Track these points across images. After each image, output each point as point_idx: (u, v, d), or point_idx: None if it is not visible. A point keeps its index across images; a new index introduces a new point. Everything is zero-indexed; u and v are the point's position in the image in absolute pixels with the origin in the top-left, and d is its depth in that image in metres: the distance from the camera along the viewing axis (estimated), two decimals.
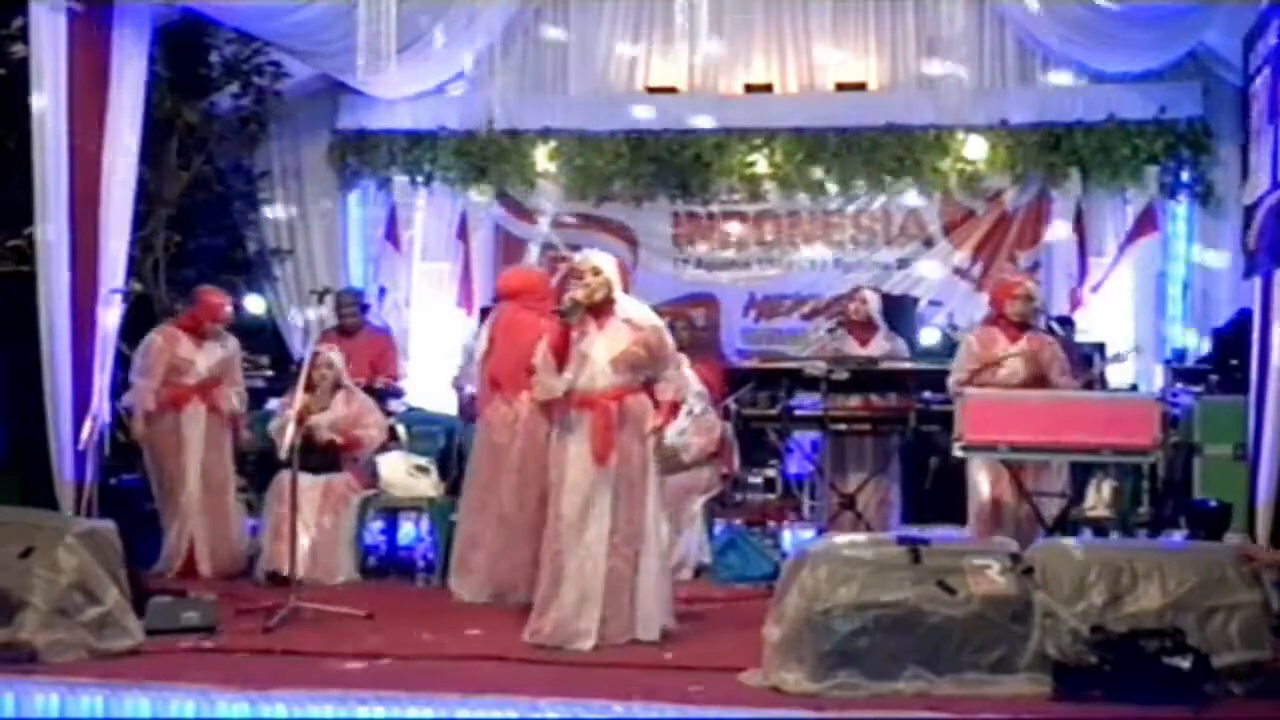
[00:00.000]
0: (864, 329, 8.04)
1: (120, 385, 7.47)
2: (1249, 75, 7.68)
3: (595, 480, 5.54)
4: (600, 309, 5.64)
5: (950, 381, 6.77)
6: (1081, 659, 4.73)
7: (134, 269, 8.10)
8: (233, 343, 7.54)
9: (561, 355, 5.60)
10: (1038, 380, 6.65)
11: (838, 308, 8.55)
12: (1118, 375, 8.94)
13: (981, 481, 6.65)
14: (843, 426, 7.60)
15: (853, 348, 7.91)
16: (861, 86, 10.60)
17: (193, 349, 7.33)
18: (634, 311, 5.73)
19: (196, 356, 7.32)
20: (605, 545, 5.51)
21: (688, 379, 6.17)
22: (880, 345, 7.98)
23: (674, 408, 5.81)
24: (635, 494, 5.58)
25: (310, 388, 6.74)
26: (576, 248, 10.59)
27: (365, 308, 9.23)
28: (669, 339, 5.78)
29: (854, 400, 7.61)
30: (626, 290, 5.86)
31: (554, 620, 5.50)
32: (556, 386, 5.60)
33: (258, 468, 7.72)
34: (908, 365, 7.88)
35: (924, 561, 4.90)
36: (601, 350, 5.61)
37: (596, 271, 5.64)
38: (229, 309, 7.55)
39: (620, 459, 5.55)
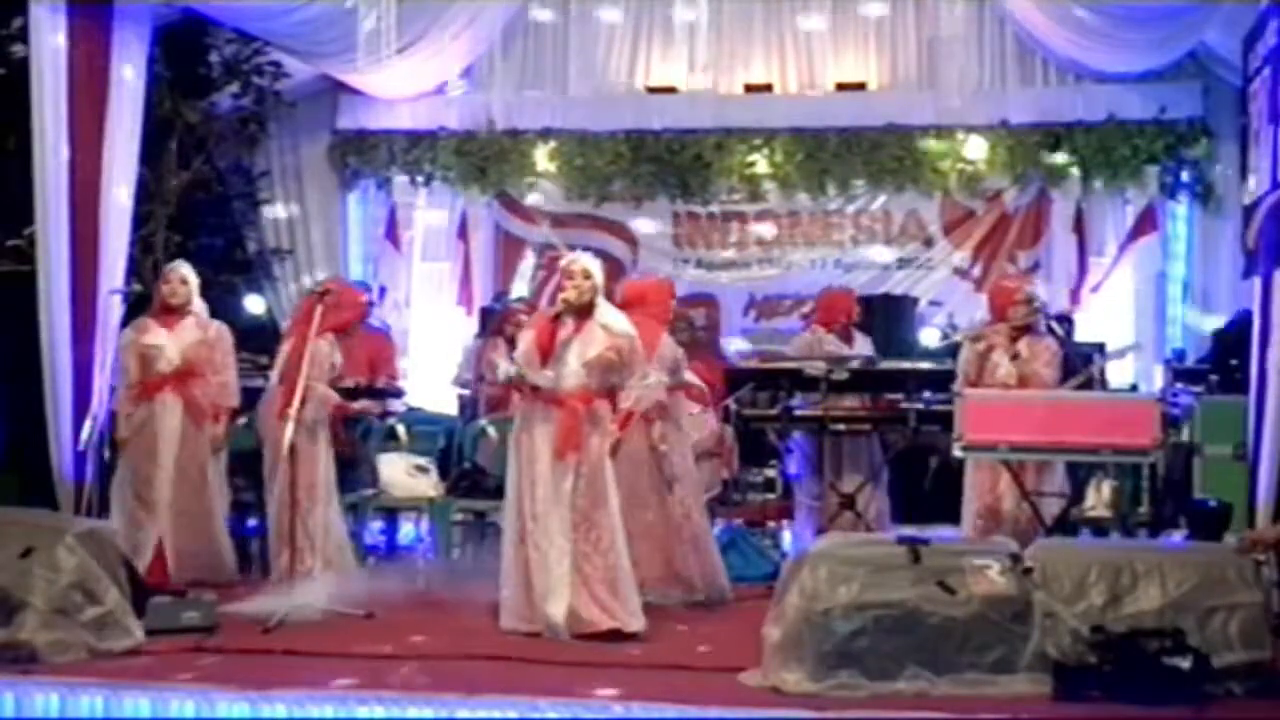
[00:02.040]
0: (845, 329, 8.04)
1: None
2: (1249, 75, 7.66)
3: (556, 473, 5.63)
4: (581, 311, 5.75)
5: (954, 386, 6.77)
6: (1081, 659, 4.73)
7: (134, 269, 8.09)
8: (215, 329, 7.03)
9: (546, 351, 5.69)
10: (1035, 380, 6.64)
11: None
12: (1118, 375, 8.94)
13: (975, 485, 6.64)
14: (842, 427, 7.60)
15: (842, 348, 7.90)
16: (861, 86, 10.61)
17: (162, 335, 6.85)
18: (611, 318, 5.83)
19: (165, 342, 6.80)
20: (569, 534, 5.58)
21: (653, 391, 6.16)
22: (861, 345, 7.99)
23: (629, 417, 5.89)
24: (596, 486, 5.66)
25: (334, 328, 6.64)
26: (575, 248, 10.75)
27: (371, 303, 9.20)
28: (640, 348, 5.87)
29: (853, 400, 7.62)
30: (608, 295, 5.98)
31: (528, 612, 5.59)
32: (539, 381, 5.68)
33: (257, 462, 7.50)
34: (907, 365, 7.88)
35: (924, 561, 4.90)
36: (576, 351, 5.70)
37: (587, 275, 5.77)
38: (179, 271, 6.96)
39: (581, 454, 5.64)
